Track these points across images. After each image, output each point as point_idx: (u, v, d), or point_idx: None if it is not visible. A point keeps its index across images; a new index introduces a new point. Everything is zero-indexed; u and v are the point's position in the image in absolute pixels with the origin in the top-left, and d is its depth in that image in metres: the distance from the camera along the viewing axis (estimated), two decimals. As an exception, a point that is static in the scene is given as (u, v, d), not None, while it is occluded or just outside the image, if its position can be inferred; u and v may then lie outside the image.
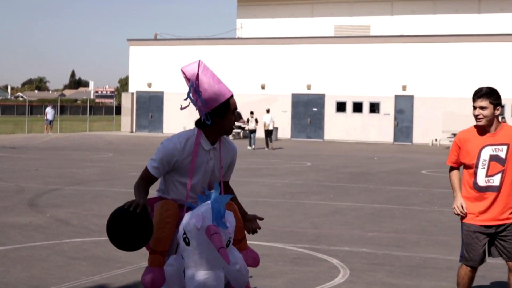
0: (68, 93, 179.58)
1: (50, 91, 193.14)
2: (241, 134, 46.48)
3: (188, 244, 4.53)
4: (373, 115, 46.50)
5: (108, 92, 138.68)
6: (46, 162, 23.89)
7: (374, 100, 46.38)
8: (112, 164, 23.30)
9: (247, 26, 54.75)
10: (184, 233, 4.53)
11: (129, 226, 4.49)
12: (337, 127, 47.24)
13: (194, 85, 4.86)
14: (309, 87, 47.87)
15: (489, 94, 6.08)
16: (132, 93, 53.14)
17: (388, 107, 46.01)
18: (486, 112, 6.05)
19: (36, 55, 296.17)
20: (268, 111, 38.22)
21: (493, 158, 6.10)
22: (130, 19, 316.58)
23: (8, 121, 68.55)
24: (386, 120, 46.03)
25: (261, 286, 7.66)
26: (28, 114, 56.20)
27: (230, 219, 4.63)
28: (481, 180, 6.14)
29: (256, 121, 36.87)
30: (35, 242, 9.86)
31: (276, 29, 52.97)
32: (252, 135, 36.49)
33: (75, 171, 20.77)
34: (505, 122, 7.31)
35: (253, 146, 36.11)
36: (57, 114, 55.32)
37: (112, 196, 15.18)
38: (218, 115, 4.90)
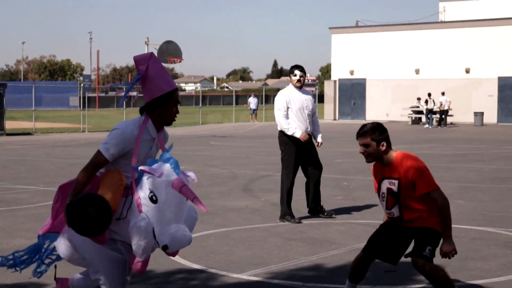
0: (271, 82, 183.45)
1: (254, 81, 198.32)
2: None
3: (155, 201, 4.77)
4: None
5: (310, 81, 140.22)
6: (255, 150, 24.86)
7: None
8: (319, 151, 23.77)
9: (450, 9, 53.75)
10: (151, 192, 4.78)
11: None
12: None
13: (142, 73, 5.11)
14: (516, 70, 46.35)
15: (371, 132, 6.00)
16: (335, 81, 53.72)
17: None
18: (370, 150, 6.00)
19: (239, 46, 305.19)
20: (443, 93, 43.11)
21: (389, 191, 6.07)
22: (331, 7, 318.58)
23: (216, 111, 71.30)
24: None
25: (474, 268, 7.77)
26: (234, 104, 58.35)
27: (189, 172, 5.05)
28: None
29: (434, 102, 42.70)
30: (253, 224, 10.47)
31: (481, 11, 51.57)
32: (429, 115, 42.68)
33: (283, 158, 21.44)
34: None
35: (430, 126, 42.10)
36: (262, 104, 56.96)
37: (322, 181, 15.60)
38: (161, 105, 5.10)
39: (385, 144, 5.98)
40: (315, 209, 11.16)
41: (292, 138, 10.89)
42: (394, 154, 6.03)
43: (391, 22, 53.81)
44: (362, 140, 6.01)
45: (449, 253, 5.86)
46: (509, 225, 10.36)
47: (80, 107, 44.96)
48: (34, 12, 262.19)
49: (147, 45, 32.95)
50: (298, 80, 10.95)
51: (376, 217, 11.08)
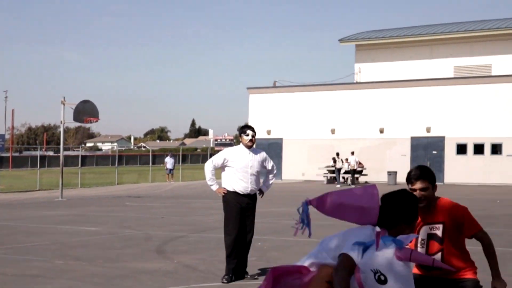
0: (189, 142, 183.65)
1: (171, 141, 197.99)
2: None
3: (385, 281, 4.44)
4: (495, 156, 45.51)
5: (227, 140, 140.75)
6: (171, 210, 24.62)
7: (496, 141, 45.44)
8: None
9: (366, 70, 54.89)
10: (377, 271, 4.45)
11: None
12: (458, 170, 46.44)
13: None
14: (428, 130, 47.41)
15: (427, 174, 5.78)
16: (252, 141, 53.87)
17: (511, 148, 44.97)
18: (427, 193, 5.76)
19: (157, 106, 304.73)
20: (352, 153, 45.25)
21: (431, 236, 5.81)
22: (249, 68, 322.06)
23: (132, 171, 70.63)
24: (509, 161, 44.96)
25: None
26: (151, 164, 57.92)
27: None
28: None
29: (342, 161, 44.35)
30: (165, 287, 10.26)
31: (395, 72, 52.87)
32: (338, 174, 44.79)
33: (198, 218, 21.33)
34: None
35: (340, 184, 44.02)
36: (179, 163, 56.72)
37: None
38: (406, 222, 4.85)
39: (436, 186, 5.81)
40: (243, 272, 11.04)
41: (231, 195, 10.93)
42: (437, 198, 5.84)
43: (308, 83, 54.59)
44: (421, 184, 5.69)
45: None
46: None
47: (-8, 167, 43.85)
48: None
49: (63, 104, 32.47)
50: (250, 140, 11.13)
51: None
